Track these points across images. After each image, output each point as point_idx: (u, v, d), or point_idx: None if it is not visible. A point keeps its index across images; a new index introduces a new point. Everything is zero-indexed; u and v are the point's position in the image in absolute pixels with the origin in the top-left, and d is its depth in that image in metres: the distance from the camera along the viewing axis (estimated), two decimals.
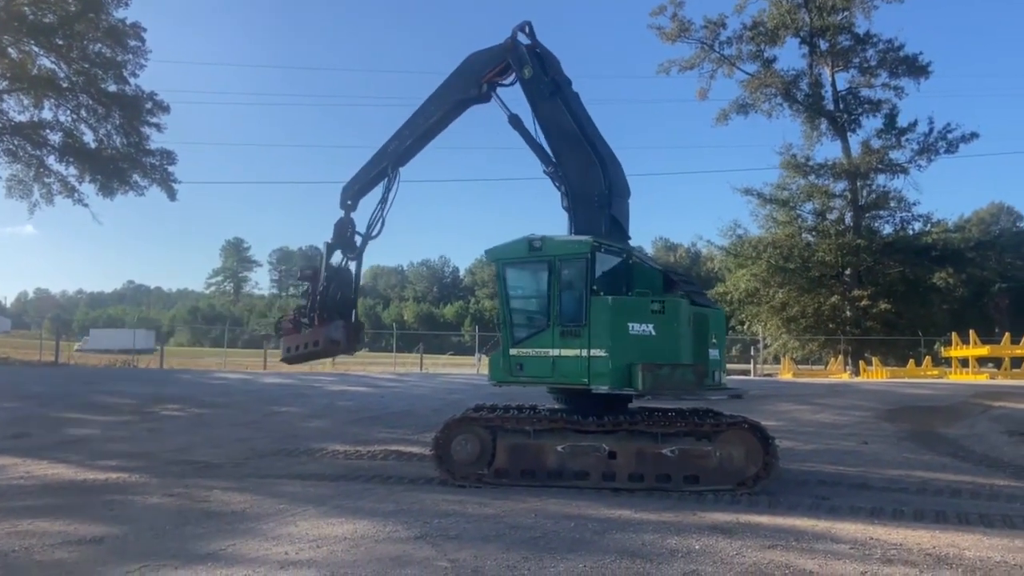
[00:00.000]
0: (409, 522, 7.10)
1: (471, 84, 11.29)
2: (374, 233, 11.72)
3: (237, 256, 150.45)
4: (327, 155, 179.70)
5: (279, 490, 8.74)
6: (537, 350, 9.58)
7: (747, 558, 6.07)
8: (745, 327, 43.32)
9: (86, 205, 34.89)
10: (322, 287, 11.46)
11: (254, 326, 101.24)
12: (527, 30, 11.13)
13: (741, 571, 5.74)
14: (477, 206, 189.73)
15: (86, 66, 33.22)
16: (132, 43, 33.96)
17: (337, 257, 11.79)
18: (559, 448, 9.06)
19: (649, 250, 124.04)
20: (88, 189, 34.78)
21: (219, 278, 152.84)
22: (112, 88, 33.91)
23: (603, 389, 9.05)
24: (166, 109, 35.16)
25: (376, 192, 11.77)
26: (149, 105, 34.74)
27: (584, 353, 9.15)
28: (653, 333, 9.05)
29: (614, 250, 10.01)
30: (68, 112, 33.99)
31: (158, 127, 35.12)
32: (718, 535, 6.77)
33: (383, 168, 11.62)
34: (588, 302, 9.23)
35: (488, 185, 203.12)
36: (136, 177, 35.46)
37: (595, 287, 9.29)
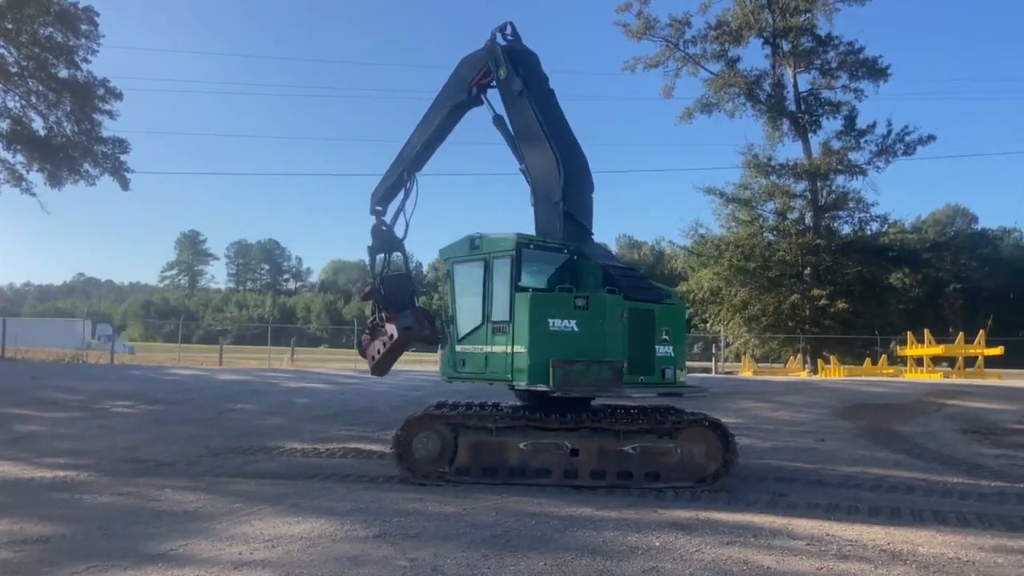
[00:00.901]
0: (368, 521, 7.04)
1: (462, 88, 11.51)
2: (399, 236, 11.98)
3: (193, 249, 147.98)
4: (286, 146, 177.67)
5: (234, 489, 8.61)
6: (475, 346, 9.83)
7: (706, 554, 6.14)
8: (708, 326, 43.88)
9: (34, 195, 33.93)
10: (377, 289, 11.47)
11: (210, 321, 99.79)
12: (508, 31, 11.27)
13: (700, 567, 5.81)
14: (444, 201, 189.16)
15: (36, 51, 32.28)
16: (84, 27, 33.08)
17: (380, 259, 11.87)
18: (521, 446, 9.07)
19: (613, 248, 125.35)
20: (36, 178, 33.87)
21: (174, 271, 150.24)
22: (63, 74, 32.99)
23: (522, 385, 9.17)
24: (119, 96, 34.36)
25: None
26: (101, 92, 33.91)
27: (509, 349, 9.29)
28: (576, 329, 9.05)
29: (552, 247, 10.06)
30: (17, 98, 33.03)
31: (111, 114, 34.30)
32: (678, 532, 6.84)
33: (400, 174, 11.86)
34: (513, 299, 9.32)
35: (456, 180, 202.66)
36: (87, 166, 34.62)
37: (520, 283, 9.42)
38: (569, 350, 8.96)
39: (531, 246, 9.78)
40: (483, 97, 11.46)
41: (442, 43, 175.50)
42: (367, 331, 11.77)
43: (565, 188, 10.22)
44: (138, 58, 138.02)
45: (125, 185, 35.50)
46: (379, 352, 11.36)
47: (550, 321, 9.04)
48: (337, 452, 11.49)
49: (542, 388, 8.96)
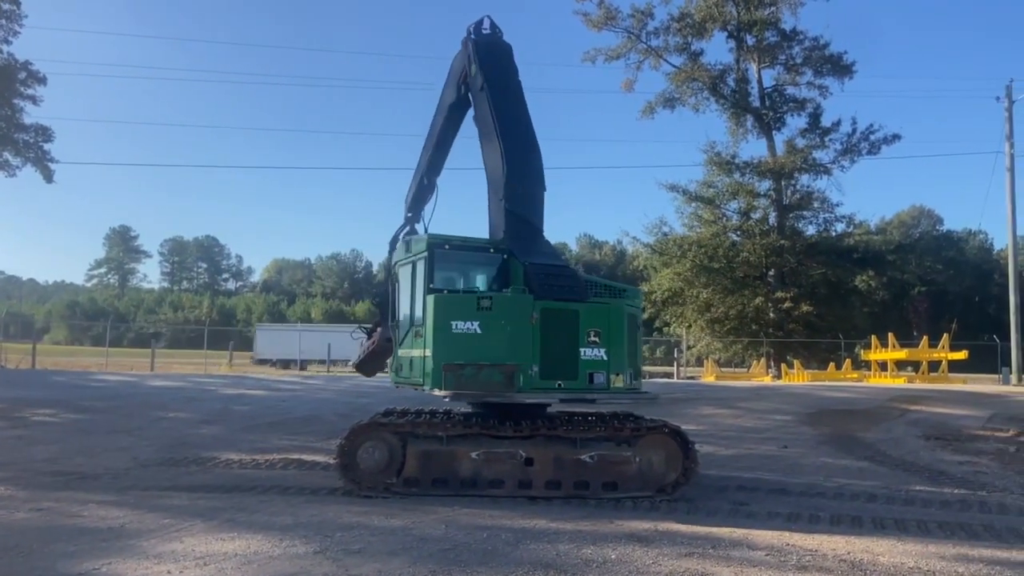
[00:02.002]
0: (308, 536, 6.95)
1: (452, 88, 11.64)
2: None
3: (123, 246, 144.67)
4: (225, 137, 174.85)
5: (163, 503, 8.43)
6: (407, 351, 10.05)
7: (663, 567, 6.20)
8: (671, 328, 44.33)
9: None
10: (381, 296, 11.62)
11: (142, 323, 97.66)
12: (485, 24, 11.36)
13: None
14: (392, 197, 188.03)
15: None
16: (5, 7, 32.22)
17: None
18: (473, 455, 9.05)
19: (573, 246, 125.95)
20: None
21: (102, 270, 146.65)
22: None
23: (426, 390, 9.32)
24: (42, 80, 33.57)
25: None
26: (23, 75, 33.08)
27: (421, 353, 9.43)
28: (479, 331, 9.03)
29: (474, 246, 10.15)
30: None
31: (33, 99, 33.47)
32: (635, 544, 6.89)
33: (420, 179, 11.96)
34: (424, 301, 9.44)
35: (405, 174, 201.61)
36: (7, 155, 33.68)
37: (433, 285, 9.53)
38: (472, 353, 8.97)
39: (446, 246, 9.85)
40: (469, 96, 11.44)
41: (390, 30, 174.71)
42: (367, 331, 11.94)
43: (508, 186, 10.27)
44: (65, 41, 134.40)
45: (49, 176, 34.65)
46: (363, 351, 11.70)
47: (453, 323, 9.04)
48: (277, 463, 11.33)
49: (438, 393, 9.05)
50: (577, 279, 9.94)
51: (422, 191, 11.99)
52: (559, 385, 9.24)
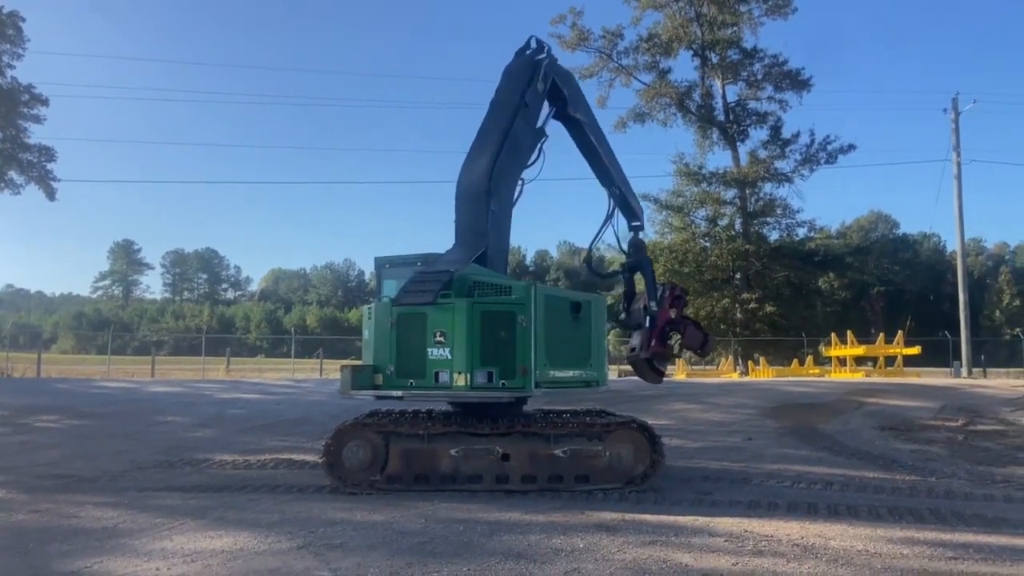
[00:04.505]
0: (293, 532, 6.90)
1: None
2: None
3: (127, 258, 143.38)
4: (223, 154, 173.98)
5: (157, 504, 8.34)
6: None
7: (628, 554, 6.20)
8: None
9: None
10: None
11: (145, 332, 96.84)
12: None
13: (620, 567, 5.87)
14: (382, 210, 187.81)
15: None
16: (9, 32, 31.94)
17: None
18: (452, 452, 9.02)
19: (554, 253, 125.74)
20: None
21: (107, 282, 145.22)
22: None
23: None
24: (45, 102, 33.34)
25: None
26: (26, 98, 32.79)
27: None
28: (366, 336, 9.85)
29: (407, 261, 10.29)
30: None
31: (36, 120, 33.18)
32: (603, 533, 6.89)
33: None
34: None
35: (396, 187, 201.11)
36: (12, 174, 33.33)
37: (380, 298, 10.03)
38: (365, 356, 9.78)
39: (387, 265, 10.41)
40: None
41: (376, 52, 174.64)
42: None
43: (456, 200, 10.35)
44: (68, 63, 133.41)
45: (51, 195, 34.40)
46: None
47: (364, 331, 9.82)
48: (268, 463, 11.24)
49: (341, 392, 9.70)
50: (437, 283, 9.41)
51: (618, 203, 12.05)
52: (411, 384, 9.27)
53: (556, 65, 11.46)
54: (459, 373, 8.98)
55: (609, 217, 12.20)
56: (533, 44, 11.20)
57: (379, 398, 9.88)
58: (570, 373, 9.59)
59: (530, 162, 11.10)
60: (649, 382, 11.34)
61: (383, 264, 10.49)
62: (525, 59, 11.12)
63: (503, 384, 8.99)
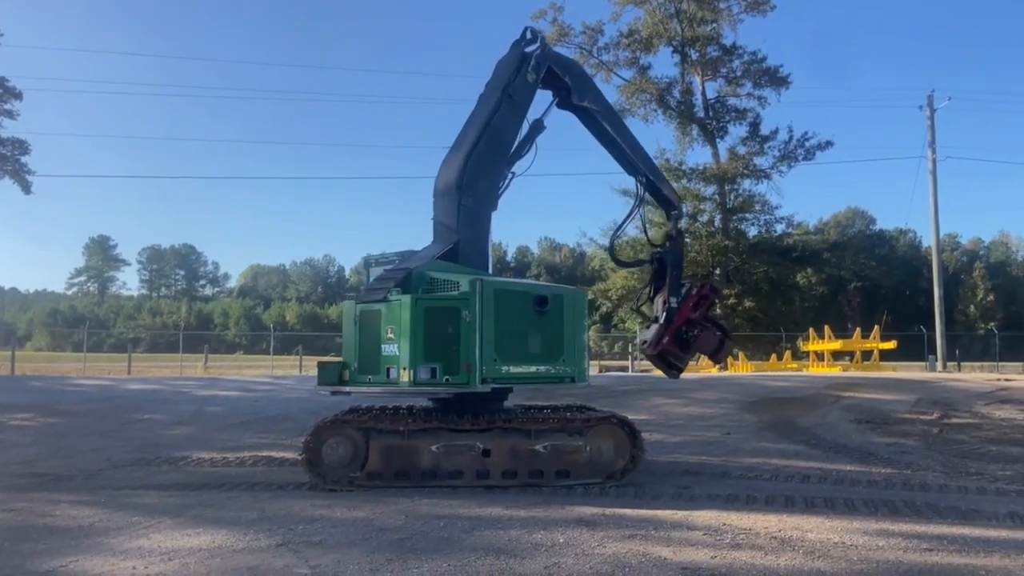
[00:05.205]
0: (272, 529, 6.86)
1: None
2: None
3: (103, 254, 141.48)
4: (200, 149, 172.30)
5: (133, 502, 8.26)
6: None
7: (607, 548, 6.23)
8: (626, 324, 44.71)
9: None
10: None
11: (121, 329, 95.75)
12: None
13: (600, 561, 5.89)
14: (361, 205, 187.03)
15: None
16: None
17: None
18: (433, 448, 9.00)
19: (535, 249, 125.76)
20: None
21: (82, 278, 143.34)
22: None
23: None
24: (18, 95, 32.82)
25: None
26: (0, 91, 32.22)
27: None
28: (343, 334, 10.06)
29: (387, 259, 10.30)
30: None
31: (10, 114, 32.67)
32: (583, 528, 6.92)
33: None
34: None
35: (377, 183, 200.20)
36: None
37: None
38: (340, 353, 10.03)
39: (374, 263, 10.43)
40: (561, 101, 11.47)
41: (356, 47, 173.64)
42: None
43: (433, 196, 10.40)
44: (41, 57, 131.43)
45: (27, 188, 33.94)
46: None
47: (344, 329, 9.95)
48: (247, 460, 11.16)
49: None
50: (391, 280, 9.52)
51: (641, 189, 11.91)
52: (368, 380, 9.42)
53: (552, 54, 11.31)
54: (404, 369, 9.02)
55: (637, 206, 12.18)
56: (528, 35, 11.08)
57: (333, 393, 9.97)
58: (532, 368, 9.29)
59: (523, 152, 10.98)
60: (667, 376, 11.36)
61: (371, 262, 10.51)
62: (515, 51, 10.98)
63: (447, 380, 8.93)
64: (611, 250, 12.98)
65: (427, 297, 9.21)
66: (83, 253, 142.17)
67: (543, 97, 11.41)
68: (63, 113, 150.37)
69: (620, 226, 12.00)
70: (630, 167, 11.79)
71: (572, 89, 11.26)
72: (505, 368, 9.04)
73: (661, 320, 10.90)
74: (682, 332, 10.94)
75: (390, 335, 9.20)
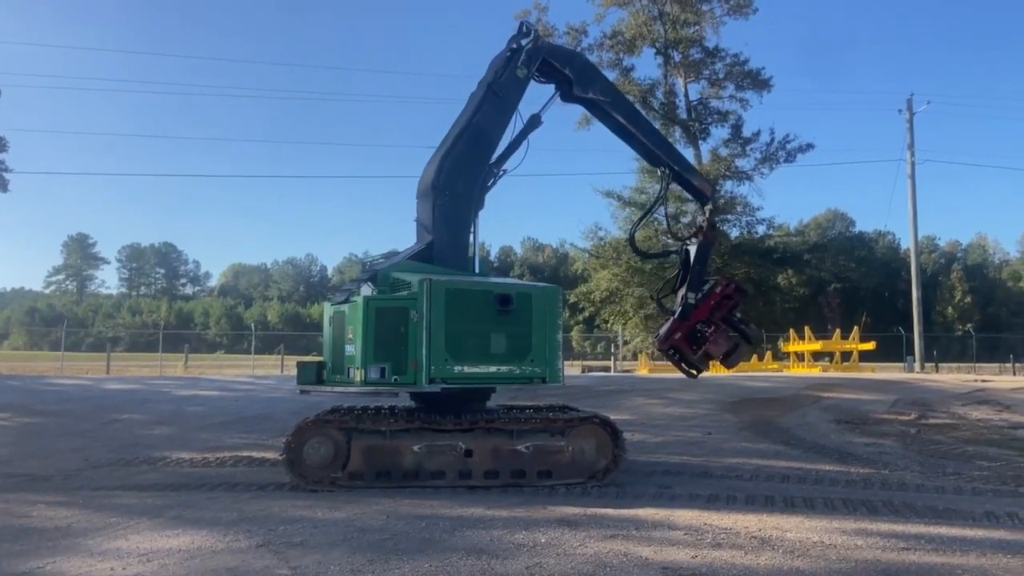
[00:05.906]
0: (252, 530, 6.81)
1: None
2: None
3: (81, 252, 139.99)
4: (181, 147, 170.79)
5: (112, 503, 8.17)
6: None
7: (589, 548, 6.24)
8: (609, 325, 44.83)
9: None
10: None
11: (100, 328, 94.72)
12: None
13: (582, 561, 5.90)
14: (344, 204, 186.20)
15: None
16: None
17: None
18: (415, 448, 8.97)
19: (518, 250, 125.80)
20: None
21: (61, 276, 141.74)
22: None
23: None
24: None
25: None
26: None
27: None
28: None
29: (382, 259, 10.40)
30: None
31: None
32: (564, 528, 6.93)
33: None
34: None
35: (360, 182, 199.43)
36: None
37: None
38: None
39: (366, 264, 10.67)
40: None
41: (335, 44, 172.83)
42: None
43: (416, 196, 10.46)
44: (20, 54, 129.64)
45: (4, 186, 33.53)
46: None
47: None
48: (228, 461, 11.08)
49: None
50: (356, 282, 9.74)
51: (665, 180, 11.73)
52: (337, 378, 9.64)
53: (548, 46, 11.17)
54: (357, 369, 9.09)
55: (660, 197, 12.06)
56: (524, 30, 10.97)
57: (302, 392, 10.33)
58: (493, 369, 9.08)
59: (515, 148, 10.91)
60: (685, 376, 11.18)
61: (364, 263, 10.92)
62: (506, 47, 10.87)
63: (395, 380, 8.92)
64: (632, 241, 12.74)
65: (379, 298, 9.25)
66: (61, 251, 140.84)
67: (543, 92, 11.34)
68: (41, 110, 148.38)
69: (642, 218, 11.91)
70: (651, 158, 11.60)
71: (573, 81, 11.07)
72: (459, 368, 8.91)
73: (676, 315, 10.74)
74: (696, 330, 10.72)
75: (350, 335, 9.36)
